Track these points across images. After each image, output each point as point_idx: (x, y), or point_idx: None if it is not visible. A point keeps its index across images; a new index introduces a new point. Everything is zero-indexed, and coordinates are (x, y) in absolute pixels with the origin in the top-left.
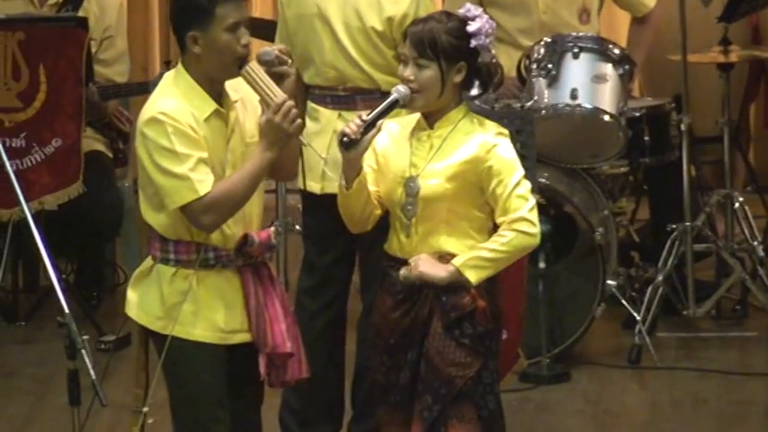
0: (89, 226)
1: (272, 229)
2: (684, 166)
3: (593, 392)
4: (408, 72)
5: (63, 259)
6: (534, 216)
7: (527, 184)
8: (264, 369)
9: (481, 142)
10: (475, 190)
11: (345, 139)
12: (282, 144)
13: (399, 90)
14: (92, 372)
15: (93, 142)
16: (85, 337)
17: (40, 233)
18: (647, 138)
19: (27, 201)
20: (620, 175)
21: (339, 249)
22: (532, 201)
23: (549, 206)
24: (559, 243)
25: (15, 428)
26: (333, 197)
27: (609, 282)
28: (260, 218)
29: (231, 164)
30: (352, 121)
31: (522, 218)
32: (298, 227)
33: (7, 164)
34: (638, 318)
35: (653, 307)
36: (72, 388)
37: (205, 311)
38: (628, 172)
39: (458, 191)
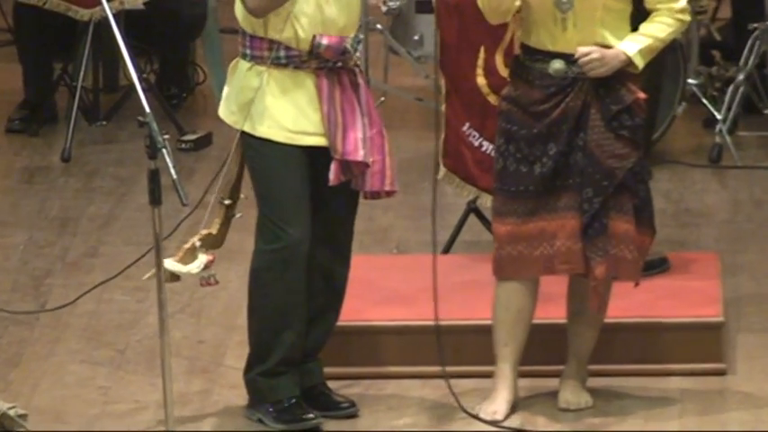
0: (174, 24)
1: (352, 35)
2: None
3: (674, 191)
4: None
5: (143, 58)
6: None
7: None
8: (335, 176)
9: None
10: None
11: None
12: None
13: None
14: (172, 171)
15: None
16: (166, 136)
17: (120, 32)
18: None
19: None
20: None
21: None
22: None
23: None
24: None
25: (96, 227)
26: None
27: (690, 80)
28: (351, 29)
29: None
30: None
31: (684, 8)
32: (379, 26)
33: None
34: (718, 117)
35: (734, 106)
36: (153, 187)
37: (272, 110)
38: None
39: None
